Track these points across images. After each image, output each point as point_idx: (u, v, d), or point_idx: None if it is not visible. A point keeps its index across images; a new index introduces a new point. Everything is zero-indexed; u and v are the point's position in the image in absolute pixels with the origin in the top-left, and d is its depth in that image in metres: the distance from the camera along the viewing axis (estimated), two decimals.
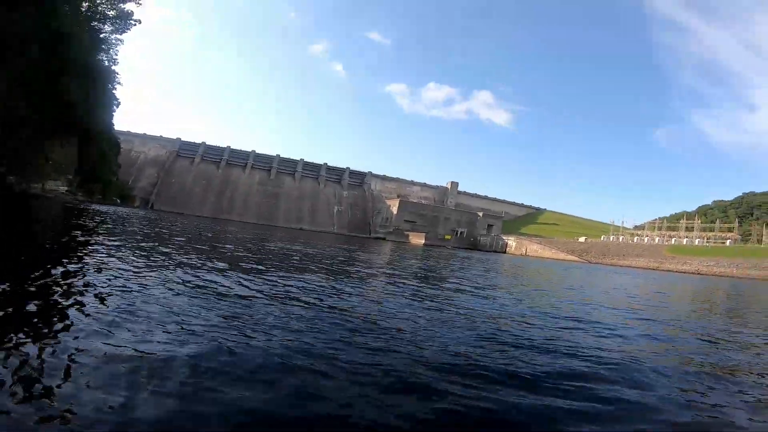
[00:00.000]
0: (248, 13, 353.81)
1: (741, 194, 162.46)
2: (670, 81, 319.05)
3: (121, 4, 53.68)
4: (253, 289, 8.37)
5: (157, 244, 16.23)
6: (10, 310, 4.88)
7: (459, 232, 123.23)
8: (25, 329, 4.35)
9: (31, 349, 3.84)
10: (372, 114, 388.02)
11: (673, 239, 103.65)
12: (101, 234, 17.13)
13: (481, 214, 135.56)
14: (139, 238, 18.32)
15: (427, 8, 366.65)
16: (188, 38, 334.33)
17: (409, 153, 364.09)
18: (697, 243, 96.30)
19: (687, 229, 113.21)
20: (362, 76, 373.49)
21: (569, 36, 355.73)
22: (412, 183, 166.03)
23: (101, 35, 54.59)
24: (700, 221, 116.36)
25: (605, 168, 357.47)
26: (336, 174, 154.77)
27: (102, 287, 6.58)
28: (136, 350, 4.10)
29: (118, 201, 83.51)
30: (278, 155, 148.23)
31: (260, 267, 12.78)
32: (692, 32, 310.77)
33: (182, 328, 5.03)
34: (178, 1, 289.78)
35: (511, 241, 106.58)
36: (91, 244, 12.60)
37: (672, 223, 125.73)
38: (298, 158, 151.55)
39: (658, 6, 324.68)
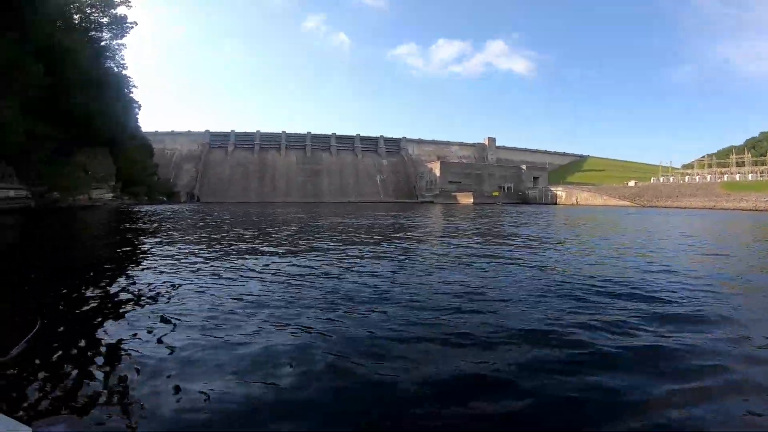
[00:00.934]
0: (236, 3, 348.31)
1: None
2: (689, 10, 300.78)
3: (112, 10, 53.52)
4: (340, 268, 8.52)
5: (224, 234, 16.64)
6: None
7: (506, 188, 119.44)
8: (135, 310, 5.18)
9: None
10: (389, 79, 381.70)
11: (725, 176, 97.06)
12: (169, 231, 18.22)
13: (524, 167, 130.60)
14: (201, 228, 19.73)
15: None
16: (184, 34, 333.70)
17: (440, 114, 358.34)
18: (750, 178, 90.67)
19: (738, 164, 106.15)
20: (368, 42, 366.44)
21: None
22: (449, 143, 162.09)
23: (102, 43, 54.79)
24: (751, 155, 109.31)
25: (639, 109, 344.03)
26: (371, 143, 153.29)
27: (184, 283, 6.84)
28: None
29: (165, 198, 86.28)
30: (309, 132, 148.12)
31: (334, 244, 13.04)
32: None
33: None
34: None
35: (560, 192, 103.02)
36: (160, 243, 13.19)
37: (721, 159, 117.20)
38: (329, 133, 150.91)
39: None
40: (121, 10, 54.52)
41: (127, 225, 22.43)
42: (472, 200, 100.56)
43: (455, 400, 3.15)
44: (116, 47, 57.72)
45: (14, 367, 3.43)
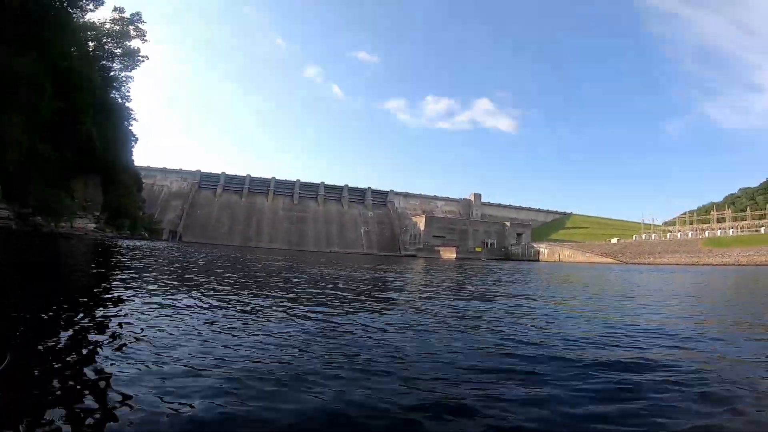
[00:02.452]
0: (236, 44, 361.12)
1: (766, 179, 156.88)
2: (671, 72, 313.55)
3: (127, 42, 55.31)
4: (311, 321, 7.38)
5: (201, 276, 15.62)
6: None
7: (489, 243, 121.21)
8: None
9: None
10: (379, 132, 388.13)
11: (706, 232, 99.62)
12: (138, 270, 16.40)
13: (508, 223, 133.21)
14: (177, 270, 18.03)
15: (408, 23, 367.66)
16: (183, 73, 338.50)
17: (426, 167, 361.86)
18: (731, 233, 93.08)
19: (719, 220, 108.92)
20: (360, 96, 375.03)
21: (560, 37, 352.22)
22: (435, 198, 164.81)
23: (111, 73, 56.06)
24: (731, 211, 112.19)
25: (621, 166, 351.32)
26: (358, 194, 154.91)
27: (149, 327, 6.03)
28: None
29: (147, 235, 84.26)
30: (299, 180, 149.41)
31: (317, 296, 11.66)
32: (685, 21, 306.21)
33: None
34: (166, 36, 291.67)
35: (543, 248, 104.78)
36: (132, 280, 11.97)
37: (701, 215, 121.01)
38: (318, 181, 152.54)
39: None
40: (135, 43, 56.22)
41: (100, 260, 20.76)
42: (455, 255, 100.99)
43: None
44: (124, 79, 59.04)
45: None
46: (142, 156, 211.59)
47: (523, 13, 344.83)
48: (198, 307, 7.73)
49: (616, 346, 6.18)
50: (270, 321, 7.08)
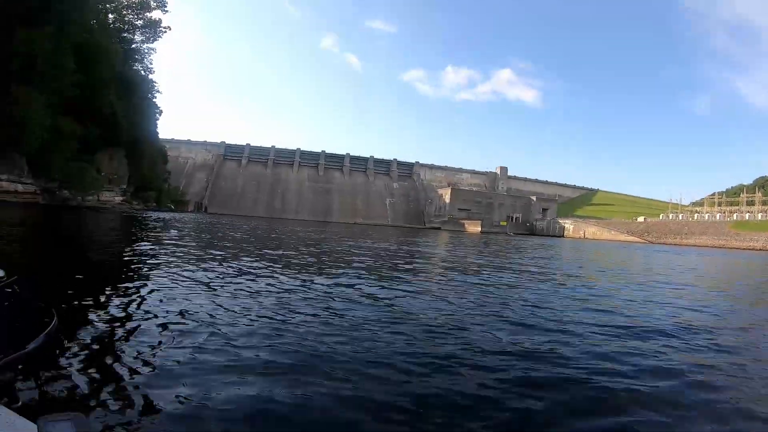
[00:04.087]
0: (253, 11, 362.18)
1: None
2: (702, 46, 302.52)
3: (147, 13, 54.55)
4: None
5: (233, 247, 16.32)
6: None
7: (514, 218, 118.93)
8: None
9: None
10: (400, 103, 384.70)
11: (734, 215, 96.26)
12: (172, 241, 17.30)
13: (534, 198, 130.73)
14: (209, 241, 19.22)
15: None
16: (206, 44, 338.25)
17: (451, 140, 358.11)
18: (759, 217, 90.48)
19: (748, 203, 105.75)
20: (378, 65, 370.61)
21: (585, 8, 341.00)
22: (461, 170, 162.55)
23: (133, 46, 55.66)
24: (761, 194, 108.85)
25: (648, 142, 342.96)
26: (384, 166, 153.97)
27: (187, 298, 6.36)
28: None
29: (172, 207, 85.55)
30: (324, 151, 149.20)
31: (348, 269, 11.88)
32: None
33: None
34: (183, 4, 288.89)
35: (568, 225, 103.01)
36: (166, 253, 12.31)
37: (731, 197, 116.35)
38: (343, 153, 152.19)
39: None
40: (156, 14, 55.54)
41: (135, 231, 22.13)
42: (479, 228, 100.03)
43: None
44: (146, 51, 58.72)
45: (27, 363, 3.09)
46: (166, 128, 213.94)
47: None
48: (228, 285, 7.65)
49: None
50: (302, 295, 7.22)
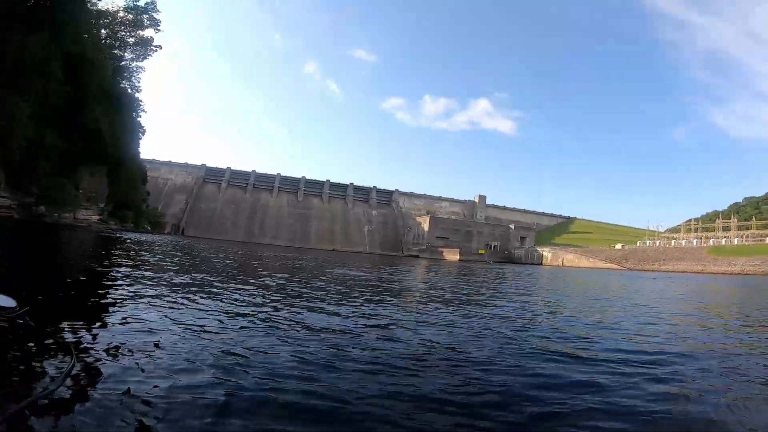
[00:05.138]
0: (237, 38, 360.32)
1: None
2: (679, 78, 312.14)
3: (140, 31, 54.36)
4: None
5: (208, 274, 15.34)
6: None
7: (492, 246, 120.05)
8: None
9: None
10: (379, 130, 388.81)
11: (711, 240, 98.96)
12: (146, 265, 16.57)
13: (513, 226, 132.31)
14: (183, 265, 18.53)
15: (406, 21, 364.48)
16: (183, 67, 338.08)
17: (431, 168, 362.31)
18: (736, 242, 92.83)
19: (723, 228, 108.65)
20: (358, 94, 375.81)
21: (564, 40, 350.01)
22: (440, 198, 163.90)
23: (122, 63, 55.14)
24: (736, 220, 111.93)
25: (626, 172, 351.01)
26: (363, 193, 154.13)
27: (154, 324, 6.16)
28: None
29: (149, 228, 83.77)
30: (303, 177, 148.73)
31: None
32: (696, 28, 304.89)
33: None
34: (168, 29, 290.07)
35: (547, 252, 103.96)
36: (139, 276, 12.09)
37: (706, 223, 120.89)
38: (323, 179, 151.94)
39: (657, 4, 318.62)
40: (148, 33, 55.52)
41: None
42: (458, 257, 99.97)
43: None
44: (135, 68, 58.17)
45: (47, 404, 3.28)
46: (147, 148, 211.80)
47: (526, 14, 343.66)
48: (207, 311, 7.57)
49: None
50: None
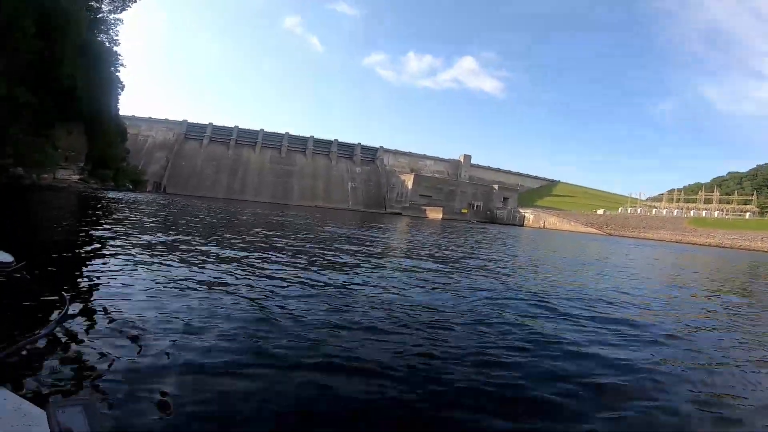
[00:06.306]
0: None
1: (756, 166, 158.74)
2: (673, 49, 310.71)
3: None
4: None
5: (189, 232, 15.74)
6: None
7: (475, 206, 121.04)
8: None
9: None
10: (362, 88, 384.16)
11: (692, 211, 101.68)
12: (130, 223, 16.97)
13: (496, 186, 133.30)
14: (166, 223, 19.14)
15: None
16: (165, 21, 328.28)
17: (416, 126, 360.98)
18: (716, 215, 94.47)
19: (705, 201, 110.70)
20: (341, 49, 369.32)
21: (556, 2, 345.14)
22: (425, 157, 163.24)
23: (99, 15, 51.98)
24: (718, 193, 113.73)
25: (612, 140, 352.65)
26: (347, 150, 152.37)
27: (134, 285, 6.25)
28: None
29: (131, 186, 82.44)
30: (287, 133, 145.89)
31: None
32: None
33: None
34: None
35: (529, 214, 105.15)
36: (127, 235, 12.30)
37: (688, 194, 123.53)
38: (307, 135, 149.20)
39: None
40: None
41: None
42: (441, 215, 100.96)
43: None
44: (113, 21, 54.90)
45: (39, 348, 3.47)
46: (127, 104, 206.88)
47: None
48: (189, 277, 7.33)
49: None
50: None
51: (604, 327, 6.14)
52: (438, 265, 11.90)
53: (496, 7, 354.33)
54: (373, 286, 7.74)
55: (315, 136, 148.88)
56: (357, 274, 8.95)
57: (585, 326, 6.09)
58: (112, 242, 10.15)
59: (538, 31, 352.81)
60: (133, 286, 5.93)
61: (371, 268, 10.01)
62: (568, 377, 4.09)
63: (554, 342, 5.19)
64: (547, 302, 7.53)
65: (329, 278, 8.10)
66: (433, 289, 7.93)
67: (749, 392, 4.27)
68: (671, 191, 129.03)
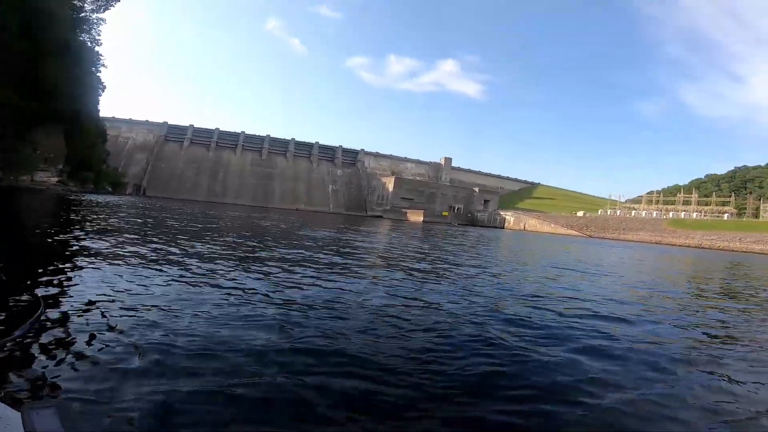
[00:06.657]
0: None
1: (733, 168, 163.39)
2: (653, 52, 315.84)
3: None
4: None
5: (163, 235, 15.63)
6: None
7: (456, 208, 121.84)
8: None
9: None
10: (344, 90, 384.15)
11: (670, 213, 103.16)
12: (109, 226, 16.91)
13: (477, 189, 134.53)
14: (145, 226, 18.93)
15: None
16: (147, 20, 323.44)
17: (396, 130, 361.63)
18: (695, 217, 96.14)
19: (684, 203, 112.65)
20: (322, 52, 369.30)
21: (538, 5, 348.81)
22: (406, 159, 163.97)
23: (81, 14, 51.29)
24: (697, 195, 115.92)
25: (592, 142, 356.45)
26: (328, 152, 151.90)
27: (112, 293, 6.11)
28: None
29: (110, 189, 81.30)
30: (268, 135, 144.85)
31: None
32: (678, 2, 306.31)
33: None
34: None
35: (509, 217, 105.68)
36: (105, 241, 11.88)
37: (667, 196, 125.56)
38: (288, 137, 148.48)
39: None
40: None
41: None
42: (422, 218, 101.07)
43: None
44: (95, 21, 54.01)
45: (13, 350, 3.48)
46: (107, 105, 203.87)
47: None
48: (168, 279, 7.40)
49: None
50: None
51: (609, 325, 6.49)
52: (419, 272, 11.73)
53: (479, 11, 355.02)
54: (357, 292, 7.71)
55: (296, 139, 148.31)
56: (336, 280, 8.89)
57: (585, 326, 6.32)
58: (87, 246, 10.18)
59: (519, 34, 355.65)
60: (107, 289, 5.97)
61: (353, 274, 10.02)
62: (569, 374, 4.29)
63: (554, 343, 5.34)
64: (545, 304, 7.78)
65: (311, 283, 8.14)
66: (407, 297, 7.62)
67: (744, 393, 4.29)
68: (650, 193, 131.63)
